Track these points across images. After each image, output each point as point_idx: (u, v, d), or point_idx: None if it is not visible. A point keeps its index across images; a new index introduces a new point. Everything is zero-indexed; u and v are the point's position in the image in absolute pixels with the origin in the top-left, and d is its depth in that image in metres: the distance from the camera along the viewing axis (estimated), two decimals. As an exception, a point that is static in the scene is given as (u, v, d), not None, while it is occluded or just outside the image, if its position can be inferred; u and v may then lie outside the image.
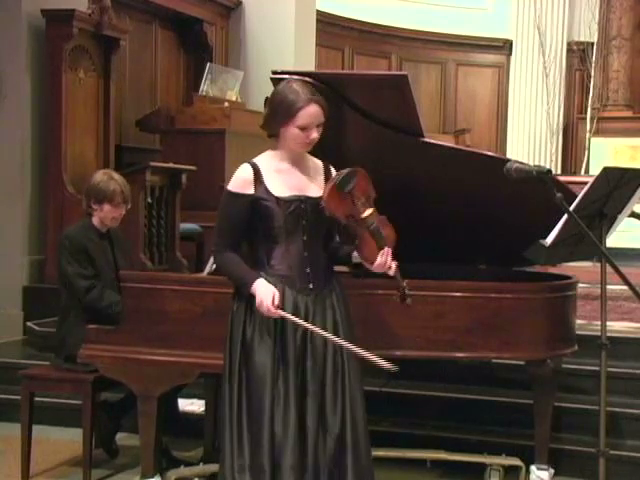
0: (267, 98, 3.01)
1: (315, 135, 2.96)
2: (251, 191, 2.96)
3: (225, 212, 3.02)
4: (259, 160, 3.02)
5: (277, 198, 2.95)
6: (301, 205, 2.97)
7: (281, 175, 3.00)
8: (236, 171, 3.01)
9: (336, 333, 2.98)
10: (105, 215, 4.22)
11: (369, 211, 2.98)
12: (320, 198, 2.98)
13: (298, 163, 3.03)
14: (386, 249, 2.96)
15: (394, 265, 2.97)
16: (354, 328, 3.11)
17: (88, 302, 4.10)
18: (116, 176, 4.28)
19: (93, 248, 4.19)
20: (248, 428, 2.92)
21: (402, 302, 3.03)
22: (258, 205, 2.95)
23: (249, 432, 2.92)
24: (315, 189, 3.01)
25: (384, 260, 2.95)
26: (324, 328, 2.96)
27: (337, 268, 3.20)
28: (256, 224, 2.99)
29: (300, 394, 2.93)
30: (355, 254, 3.04)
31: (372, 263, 2.97)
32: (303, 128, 2.92)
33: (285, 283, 2.96)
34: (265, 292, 2.89)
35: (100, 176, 4.26)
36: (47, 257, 6.09)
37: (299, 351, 2.94)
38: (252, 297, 2.93)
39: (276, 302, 2.88)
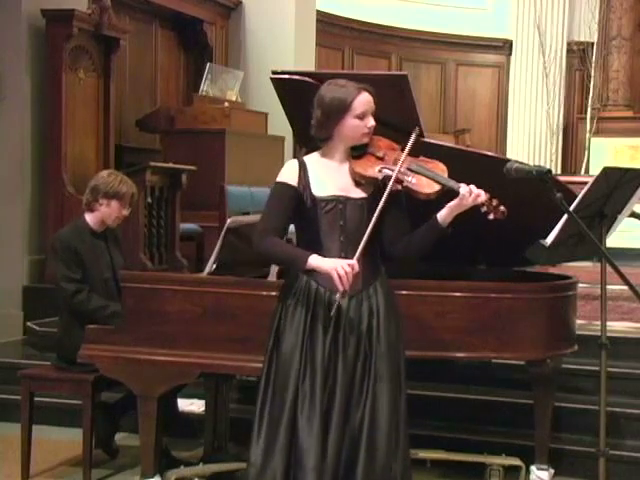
0: (315, 105, 2.94)
1: (373, 122, 2.94)
2: (295, 182, 2.94)
3: (270, 200, 2.99)
4: (307, 157, 3.02)
5: (315, 197, 2.93)
6: (339, 205, 2.94)
7: (326, 173, 2.97)
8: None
9: (370, 339, 2.91)
10: (110, 212, 4.16)
11: (397, 155, 2.95)
12: (363, 199, 2.95)
13: (346, 164, 3.00)
14: (462, 185, 2.88)
15: (474, 187, 2.88)
16: (399, 332, 3.00)
17: (74, 305, 4.07)
18: (127, 180, 4.24)
19: (85, 250, 4.14)
20: (268, 422, 2.89)
21: (499, 215, 2.88)
22: (299, 201, 2.94)
23: (268, 427, 2.89)
24: (359, 191, 2.97)
25: (468, 189, 2.87)
26: (358, 333, 2.90)
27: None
28: (298, 223, 2.99)
29: (327, 396, 2.86)
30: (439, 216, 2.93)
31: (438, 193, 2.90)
32: (361, 117, 2.92)
33: (320, 283, 2.91)
34: (328, 260, 2.84)
35: (112, 177, 4.20)
36: (47, 257, 6.06)
37: (329, 352, 2.88)
38: (305, 273, 2.90)
39: (345, 262, 2.81)
